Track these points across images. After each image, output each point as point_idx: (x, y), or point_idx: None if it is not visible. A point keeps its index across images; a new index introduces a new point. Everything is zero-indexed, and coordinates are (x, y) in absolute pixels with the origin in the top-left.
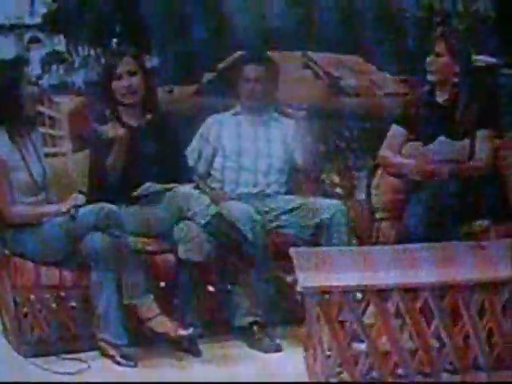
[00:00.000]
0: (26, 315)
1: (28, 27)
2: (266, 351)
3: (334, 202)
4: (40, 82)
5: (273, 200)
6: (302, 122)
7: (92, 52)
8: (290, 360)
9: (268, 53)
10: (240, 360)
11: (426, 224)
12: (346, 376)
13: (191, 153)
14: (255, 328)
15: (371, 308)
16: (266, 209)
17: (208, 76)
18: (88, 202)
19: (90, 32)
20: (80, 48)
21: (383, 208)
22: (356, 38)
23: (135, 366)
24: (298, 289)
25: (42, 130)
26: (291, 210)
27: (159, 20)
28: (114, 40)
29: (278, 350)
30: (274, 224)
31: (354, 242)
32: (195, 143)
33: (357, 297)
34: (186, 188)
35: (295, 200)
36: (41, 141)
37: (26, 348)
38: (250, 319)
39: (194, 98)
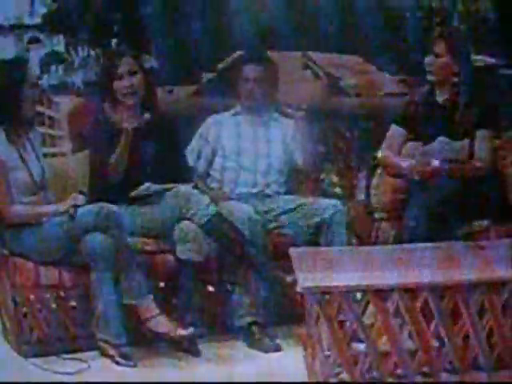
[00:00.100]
0: (25, 315)
1: (28, 27)
2: (266, 351)
3: (334, 202)
4: (39, 82)
5: (272, 200)
6: (302, 122)
7: (91, 52)
8: (290, 360)
9: (267, 53)
10: (240, 360)
11: (426, 224)
12: (345, 376)
13: (191, 153)
14: (255, 328)
15: (371, 308)
16: (266, 209)
17: (208, 76)
18: (90, 202)
19: (89, 32)
20: (79, 48)
21: (383, 208)
22: (356, 38)
23: (135, 365)
24: (298, 289)
25: (41, 130)
26: (291, 210)
27: (159, 20)
28: (114, 40)
29: (278, 349)
30: (274, 224)
31: (354, 241)
32: (195, 143)
33: (356, 297)
34: (186, 188)
35: (295, 200)
36: (39, 140)
37: (26, 348)
38: (250, 319)
39: (194, 98)
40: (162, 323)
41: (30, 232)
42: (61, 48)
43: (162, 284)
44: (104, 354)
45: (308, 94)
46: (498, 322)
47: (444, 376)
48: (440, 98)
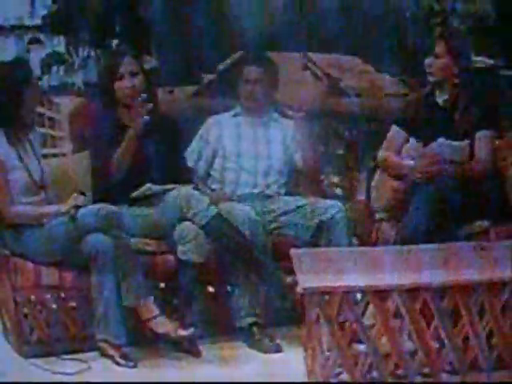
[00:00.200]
0: (26, 315)
1: (28, 28)
2: (266, 352)
3: (334, 202)
4: (40, 82)
5: (273, 201)
6: (302, 122)
7: (92, 53)
8: (290, 360)
9: (268, 54)
10: (240, 360)
11: (426, 225)
12: (345, 377)
13: (191, 154)
14: (255, 329)
15: (371, 309)
16: (266, 210)
17: (208, 77)
18: (93, 203)
19: (89, 33)
20: (80, 49)
21: (383, 209)
22: (356, 38)
23: (135, 366)
24: (298, 290)
25: (41, 130)
26: (291, 211)
27: (159, 20)
28: (114, 41)
29: (278, 350)
30: (274, 225)
31: (354, 242)
32: (195, 144)
33: (357, 297)
34: (187, 189)
35: (295, 201)
36: (39, 141)
37: (27, 348)
38: (250, 320)
39: (194, 99)
40: (162, 324)
41: (30, 232)
42: (61, 49)
43: (162, 284)
44: (104, 355)
45: (308, 95)
46: (497, 323)
47: (444, 377)
48: (440, 98)
